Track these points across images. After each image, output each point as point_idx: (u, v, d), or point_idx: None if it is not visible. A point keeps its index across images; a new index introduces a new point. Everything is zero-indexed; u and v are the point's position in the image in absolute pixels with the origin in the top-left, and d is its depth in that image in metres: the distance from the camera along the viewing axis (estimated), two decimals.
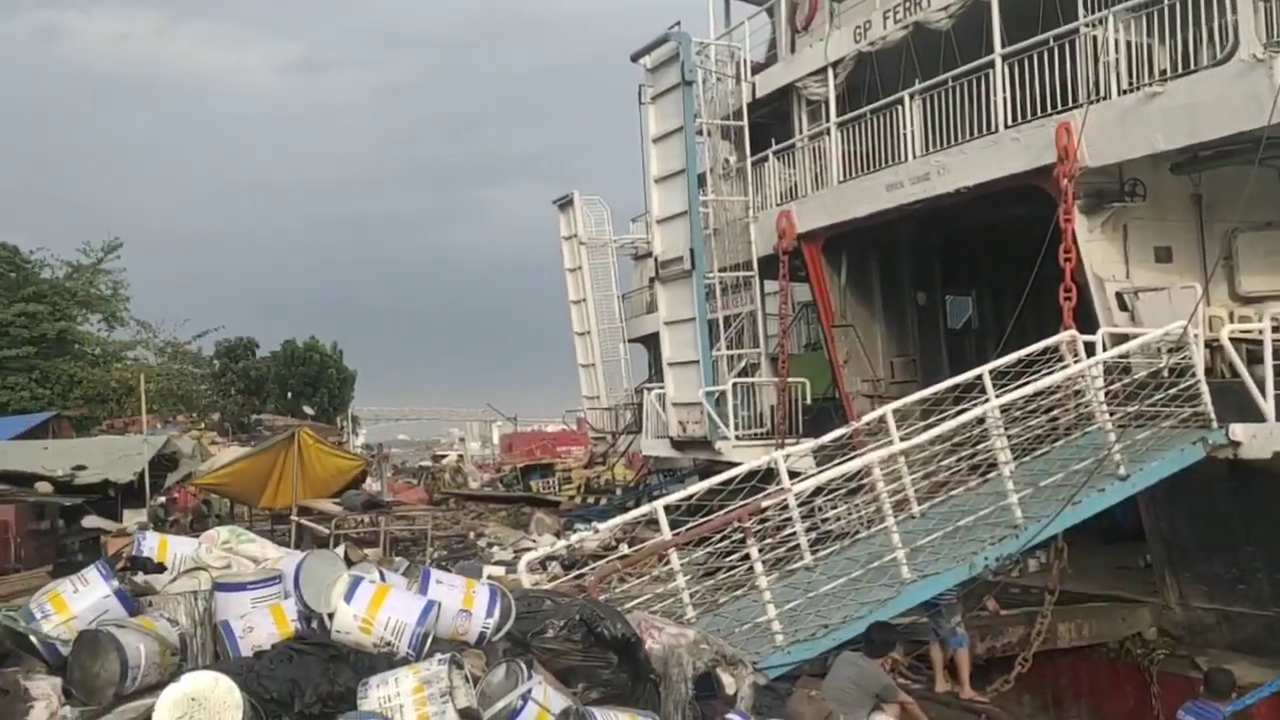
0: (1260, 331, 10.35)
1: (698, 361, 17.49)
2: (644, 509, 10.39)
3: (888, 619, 9.16)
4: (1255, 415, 10.05)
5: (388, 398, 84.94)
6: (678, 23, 17.51)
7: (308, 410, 43.34)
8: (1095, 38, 11.94)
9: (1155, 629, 12.08)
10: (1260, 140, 10.18)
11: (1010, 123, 12.99)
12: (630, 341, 31.67)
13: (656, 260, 18.61)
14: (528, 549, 14.23)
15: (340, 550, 6.89)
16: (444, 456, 52.95)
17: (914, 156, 14.43)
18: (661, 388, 19.21)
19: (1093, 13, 12.15)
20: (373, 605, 4.66)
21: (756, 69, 18.53)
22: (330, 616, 4.70)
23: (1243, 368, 10.20)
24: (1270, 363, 10.04)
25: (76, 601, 4.88)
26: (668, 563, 9.44)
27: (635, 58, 18.18)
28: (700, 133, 17.85)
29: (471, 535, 20.46)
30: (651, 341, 27.06)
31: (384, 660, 4.49)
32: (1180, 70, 11.16)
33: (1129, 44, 11.66)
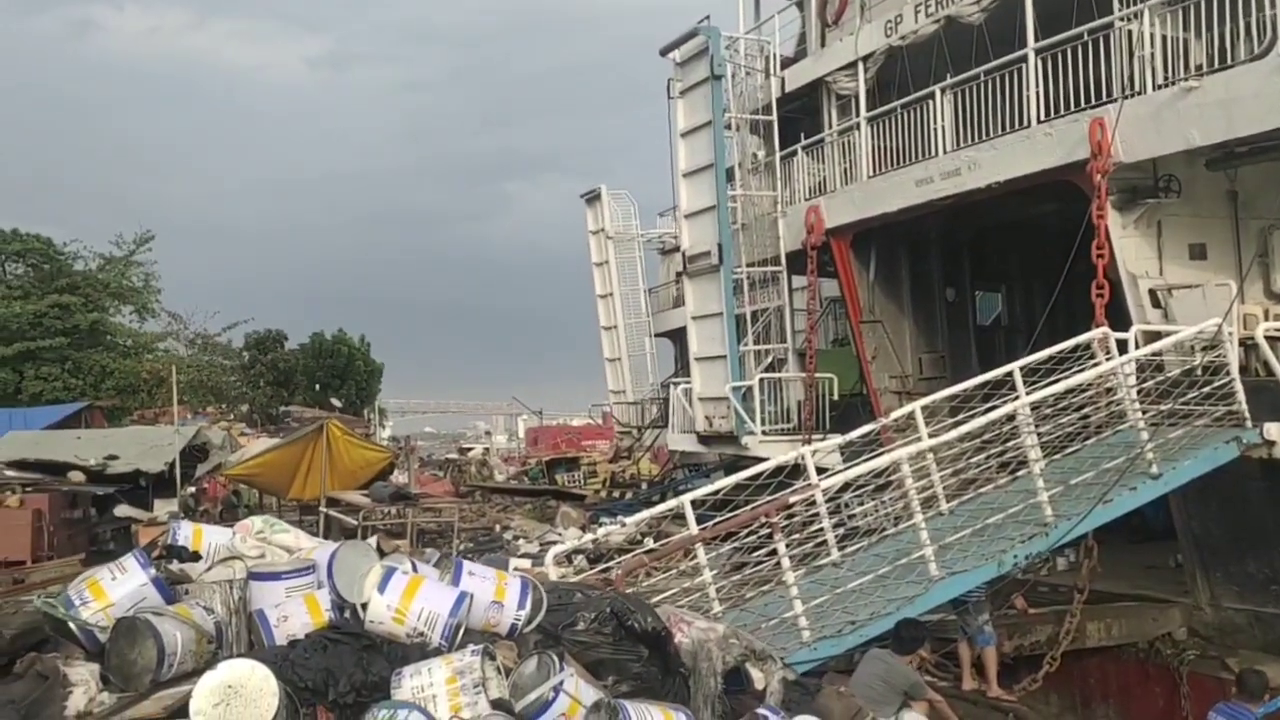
0: None
1: (725, 356, 17.47)
2: (670, 503, 10.38)
3: (916, 616, 9.13)
4: None
5: (414, 391, 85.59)
6: (707, 17, 17.49)
7: (335, 402, 43.60)
8: (1130, 32, 11.83)
9: (1186, 629, 11.97)
10: None
11: (1043, 117, 12.89)
12: (656, 336, 31.67)
13: (684, 255, 18.60)
14: (554, 542, 14.25)
15: (373, 541, 6.94)
16: (470, 449, 53.18)
17: (944, 151, 14.35)
18: (688, 382, 19.21)
19: (1128, 6, 12.04)
20: (406, 596, 4.70)
21: (785, 63, 18.48)
22: (364, 607, 4.74)
23: (1277, 366, 10.09)
24: None
25: (115, 589, 4.95)
26: (694, 558, 9.44)
27: (664, 52, 18.15)
28: (729, 127, 17.81)
29: (497, 528, 20.50)
30: (678, 336, 27.06)
31: (417, 651, 4.53)
32: (1216, 65, 11.04)
33: (1164, 38, 11.55)
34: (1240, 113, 10.64)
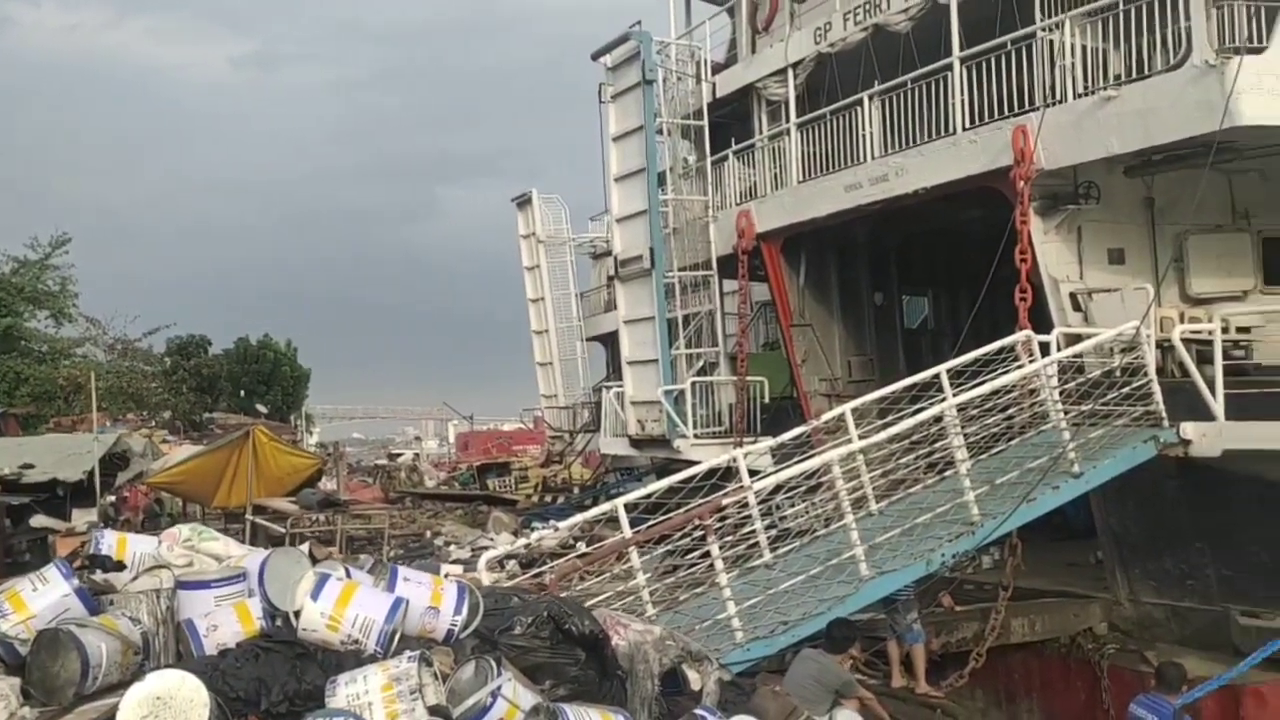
0: (1210, 332, 10.58)
1: (657, 360, 17.53)
2: (604, 507, 10.39)
3: (847, 615, 9.25)
4: (1205, 414, 10.28)
5: (344, 396, 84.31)
6: (638, 22, 17.55)
7: (261, 409, 42.80)
8: (1052, 42, 12.13)
9: (1106, 624, 12.28)
10: (1211, 145, 10.41)
11: (968, 125, 13.15)
12: (588, 340, 31.62)
13: (616, 259, 18.63)
14: (485, 548, 14.17)
15: (305, 548, 6.83)
16: (400, 455, 52.56)
17: (873, 157, 14.57)
18: (620, 386, 19.23)
19: (1049, 17, 12.35)
20: (340, 602, 4.63)
21: (717, 69, 18.61)
22: (297, 614, 4.66)
23: (1193, 368, 10.43)
24: (1220, 363, 10.28)
25: (36, 600, 4.80)
26: (627, 561, 9.46)
27: (596, 56, 18.17)
28: (660, 132, 17.87)
29: (428, 534, 20.33)
30: (610, 340, 27.05)
31: (352, 658, 4.47)
32: (1134, 75, 11.37)
33: (1084, 49, 11.85)
34: (1157, 122, 10.97)
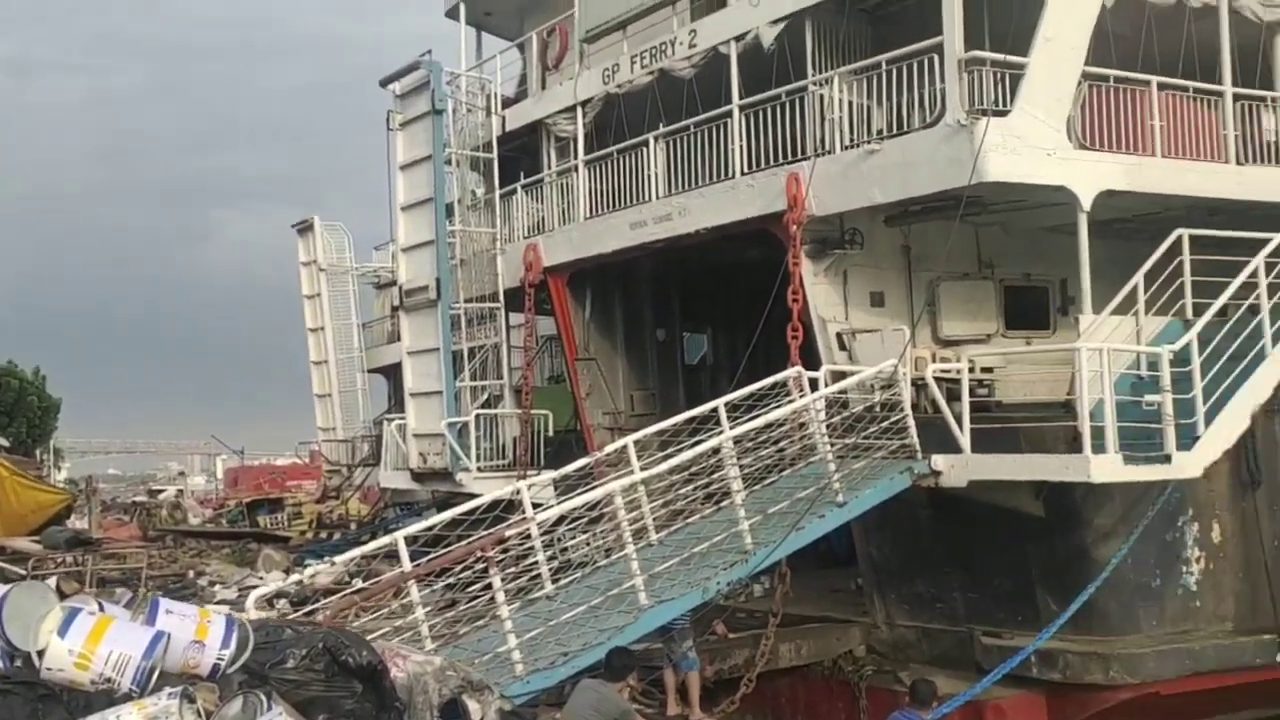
0: (958, 371, 11.44)
1: (440, 392, 17.31)
2: (383, 540, 10.13)
3: (626, 644, 9.38)
4: (954, 447, 11.05)
5: (102, 429, 78.42)
6: (429, 51, 17.45)
7: (2, 441, 39.20)
8: (822, 96, 12.90)
9: (865, 647, 12.90)
10: (961, 198, 11.32)
11: (746, 170, 13.76)
12: (370, 372, 30.85)
13: (401, 289, 18.31)
14: (254, 586, 13.50)
15: (52, 583, 6.32)
16: (161, 491, 49.29)
17: (657, 197, 15.00)
18: (402, 418, 18.84)
19: (820, 73, 13.13)
20: (91, 639, 4.32)
21: (507, 103, 18.72)
22: (40, 654, 4.31)
23: (944, 404, 11.20)
24: (967, 399, 11.09)
25: None
26: (406, 596, 9.25)
27: (385, 83, 17.92)
28: (449, 162, 17.79)
29: (191, 574, 19.15)
30: (392, 372, 26.49)
31: (103, 698, 4.17)
32: (895, 131, 12.24)
33: (851, 104, 12.67)
34: (914, 175, 11.85)
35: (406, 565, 9.35)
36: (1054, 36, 11.59)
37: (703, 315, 20.26)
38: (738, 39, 13.98)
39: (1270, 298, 10.90)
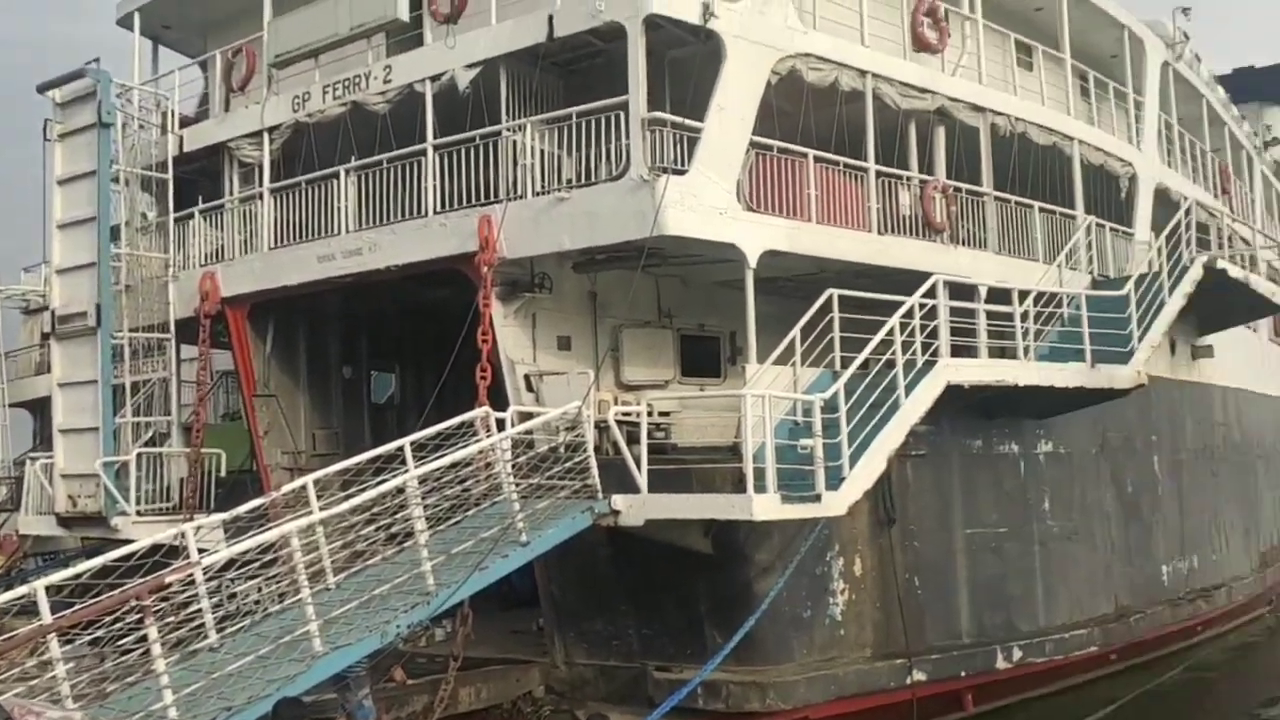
0: (638, 414, 11.95)
1: (97, 429, 15.91)
2: (19, 591, 9.13)
3: (297, 695, 8.98)
4: (632, 487, 11.48)
5: None
6: (96, 59, 16.19)
7: None
8: (515, 142, 13.18)
9: (543, 687, 13.02)
10: (643, 250, 11.91)
11: (439, 209, 13.75)
12: (11, 406, 27.87)
13: (54, 314, 16.73)
14: None
15: None
16: None
17: (348, 230, 14.65)
18: (49, 457, 17.14)
19: (514, 119, 13.42)
20: None
21: (186, 122, 17.65)
22: None
23: (624, 445, 11.63)
24: (645, 442, 11.56)
25: None
26: (45, 651, 8.39)
27: (43, 89, 16.45)
28: (116, 180, 16.51)
29: None
30: (40, 406, 24.08)
31: None
32: (584, 181, 12.70)
33: (543, 152, 13.03)
34: (600, 224, 12.33)
35: (46, 617, 8.48)
36: (726, 106, 12.51)
37: (391, 353, 19.95)
38: (433, 79, 14.01)
39: (904, 354, 12.20)
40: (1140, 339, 15.02)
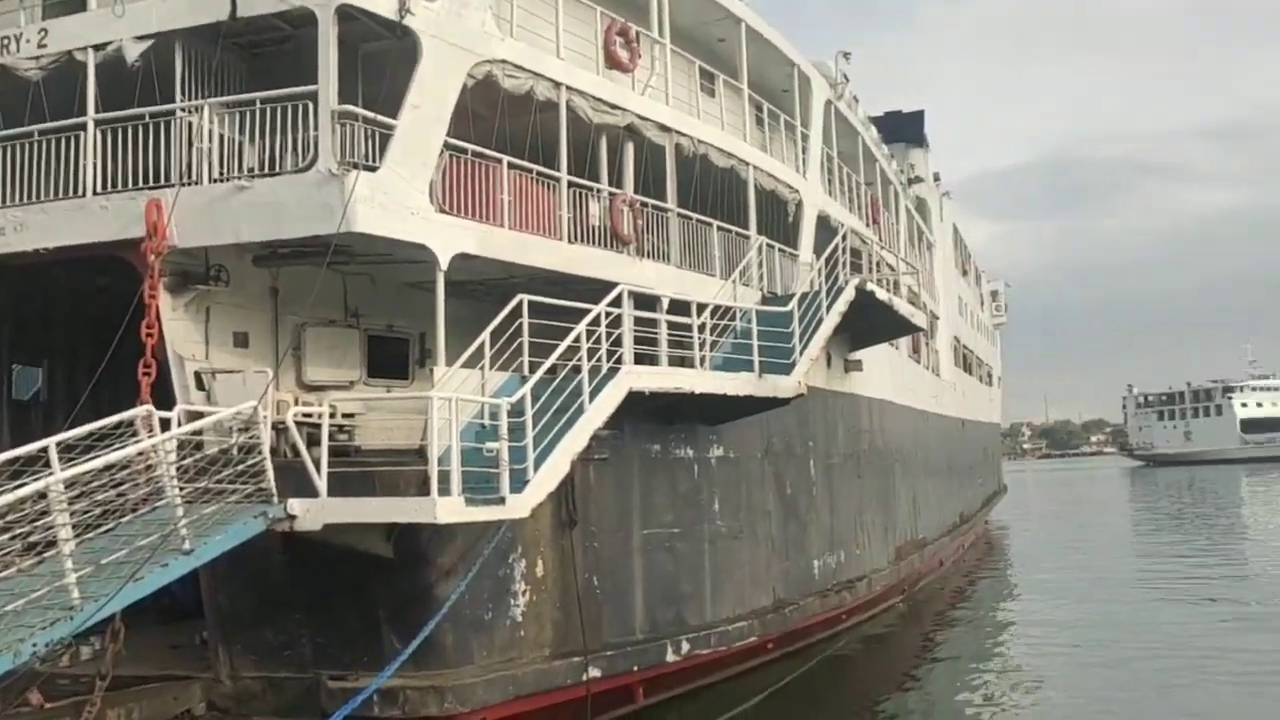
0: (319, 415, 11.55)
1: None
2: None
3: None
4: (311, 491, 11.08)
5: None
6: None
7: None
8: (190, 123, 12.35)
9: (205, 704, 12.23)
10: (330, 245, 11.53)
11: (101, 189, 12.65)
12: None
13: None
14: None
15: None
16: None
17: None
18: None
19: (190, 99, 12.58)
20: None
21: None
22: None
23: (304, 448, 11.20)
24: (326, 444, 11.21)
25: None
26: None
27: None
28: None
29: None
30: None
31: None
32: (267, 170, 12.11)
33: (222, 137, 12.30)
34: (285, 217, 11.80)
35: None
36: (420, 105, 12.39)
37: (39, 346, 17.99)
38: (97, 48, 12.88)
39: (589, 360, 12.58)
40: (801, 352, 16.38)
